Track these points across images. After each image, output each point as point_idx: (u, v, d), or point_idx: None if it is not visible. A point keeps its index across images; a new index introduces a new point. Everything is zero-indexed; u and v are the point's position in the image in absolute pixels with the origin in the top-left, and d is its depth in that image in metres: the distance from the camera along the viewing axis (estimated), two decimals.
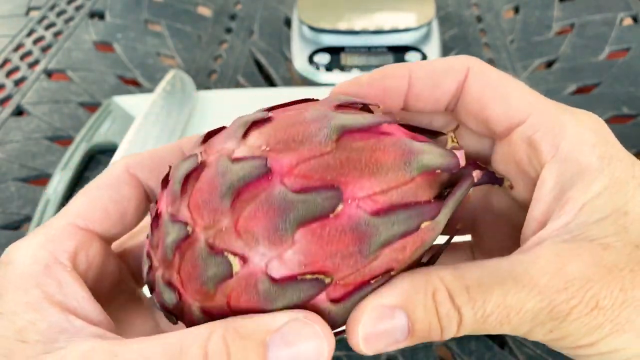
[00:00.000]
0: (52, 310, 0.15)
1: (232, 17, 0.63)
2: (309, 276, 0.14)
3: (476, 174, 0.17)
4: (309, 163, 0.14)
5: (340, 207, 0.14)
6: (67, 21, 0.62)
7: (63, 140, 0.48)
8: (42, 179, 0.44)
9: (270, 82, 0.54)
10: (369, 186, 0.14)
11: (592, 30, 0.59)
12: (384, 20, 0.52)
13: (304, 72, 0.51)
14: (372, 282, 0.15)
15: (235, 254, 0.14)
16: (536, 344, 0.34)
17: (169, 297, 0.16)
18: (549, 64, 0.56)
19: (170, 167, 0.17)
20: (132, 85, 0.53)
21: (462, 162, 0.16)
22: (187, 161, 0.16)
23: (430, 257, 0.17)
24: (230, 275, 0.14)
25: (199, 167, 0.15)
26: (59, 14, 0.63)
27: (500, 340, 0.34)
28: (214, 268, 0.14)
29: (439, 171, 0.15)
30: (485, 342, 0.34)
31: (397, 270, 0.15)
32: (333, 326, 0.15)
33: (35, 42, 0.59)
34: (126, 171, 0.18)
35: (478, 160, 0.18)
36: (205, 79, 0.54)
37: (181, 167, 0.16)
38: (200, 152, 0.16)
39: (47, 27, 0.61)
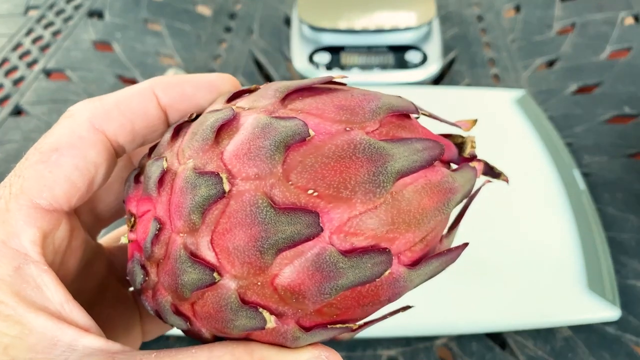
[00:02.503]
0: (39, 319, 0.12)
1: (232, 16, 0.63)
2: (339, 325, 0.14)
3: (485, 182, 0.18)
4: (361, 218, 0.13)
5: (388, 272, 0.13)
6: (66, 20, 0.62)
7: None
8: None
9: (270, 82, 0.54)
10: (412, 239, 0.14)
11: (593, 29, 0.59)
12: (385, 20, 0.52)
13: (303, 71, 0.51)
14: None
15: (271, 312, 0.13)
16: (537, 344, 0.34)
17: (176, 323, 0.15)
18: (550, 64, 0.55)
19: (172, 139, 0.15)
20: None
21: (479, 175, 0.16)
22: (206, 182, 0.13)
23: None
24: (262, 328, 0.13)
25: (224, 198, 0.13)
26: (58, 13, 0.63)
27: (501, 341, 0.34)
28: (244, 320, 0.13)
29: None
30: (486, 343, 0.34)
31: None
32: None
33: (34, 41, 0.58)
34: (91, 127, 0.15)
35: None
36: None
37: (199, 189, 0.13)
38: (222, 172, 0.13)
39: (46, 27, 0.61)
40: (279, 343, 0.14)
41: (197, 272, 0.13)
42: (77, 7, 0.63)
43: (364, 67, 0.51)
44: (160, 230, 0.14)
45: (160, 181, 0.14)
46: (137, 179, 0.16)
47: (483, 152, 0.50)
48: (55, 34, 0.59)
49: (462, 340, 0.34)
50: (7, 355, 0.12)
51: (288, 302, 0.13)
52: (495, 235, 0.38)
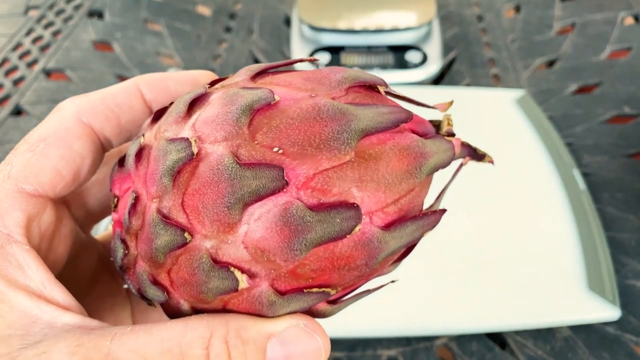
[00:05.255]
0: (19, 297, 0.13)
1: (232, 16, 0.63)
2: (315, 289, 0.14)
3: (465, 160, 0.17)
4: (327, 174, 0.13)
5: (358, 228, 0.13)
6: (66, 20, 0.62)
7: None
8: None
9: None
10: (383, 199, 0.14)
11: (593, 29, 0.59)
12: (385, 20, 0.52)
13: None
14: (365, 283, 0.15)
15: (243, 271, 0.13)
16: (537, 344, 0.34)
17: (155, 294, 0.15)
18: (550, 64, 0.55)
19: (152, 123, 0.15)
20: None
21: (458, 150, 0.16)
22: (176, 146, 0.13)
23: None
24: (236, 290, 0.13)
25: (193, 160, 0.13)
26: (58, 13, 0.63)
27: (501, 341, 0.34)
28: (216, 281, 0.13)
29: (440, 169, 0.15)
30: (486, 343, 0.34)
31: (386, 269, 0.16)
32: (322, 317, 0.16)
33: (34, 41, 0.58)
34: (78, 121, 0.16)
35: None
36: None
37: (170, 154, 0.13)
38: (193, 140, 0.13)
39: (46, 27, 0.61)
40: (256, 312, 0.14)
41: (169, 233, 0.13)
42: (77, 7, 0.63)
43: (364, 67, 0.51)
44: (136, 200, 0.14)
45: (138, 156, 0.15)
46: (120, 163, 0.16)
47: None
48: (55, 34, 0.59)
49: (462, 340, 0.34)
50: None
51: (259, 260, 0.13)
52: (495, 235, 0.38)
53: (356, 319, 0.33)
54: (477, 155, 0.17)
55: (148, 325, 0.13)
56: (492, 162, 0.18)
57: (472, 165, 0.42)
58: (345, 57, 0.52)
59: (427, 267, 0.36)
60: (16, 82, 0.53)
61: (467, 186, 0.41)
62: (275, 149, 0.13)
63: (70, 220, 0.17)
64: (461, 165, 0.17)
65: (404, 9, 0.54)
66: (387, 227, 0.14)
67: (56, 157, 0.15)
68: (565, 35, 0.58)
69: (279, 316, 0.14)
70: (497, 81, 0.53)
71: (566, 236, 0.38)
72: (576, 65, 0.54)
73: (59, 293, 0.14)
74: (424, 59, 0.51)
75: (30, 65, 0.55)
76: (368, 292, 0.16)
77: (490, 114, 0.47)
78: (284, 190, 0.13)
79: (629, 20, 0.60)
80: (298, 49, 0.53)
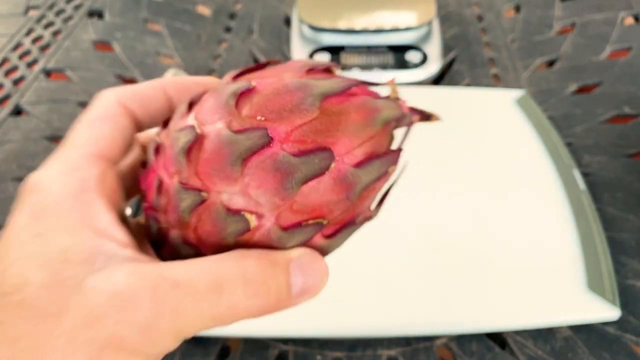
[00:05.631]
0: (88, 233, 0.16)
1: (232, 16, 0.63)
2: (311, 221, 0.17)
3: (415, 117, 0.20)
4: (301, 129, 0.17)
5: (333, 165, 0.17)
6: (66, 20, 0.62)
7: (62, 140, 0.47)
8: None
9: None
10: (350, 144, 0.17)
11: (593, 29, 0.59)
12: (385, 20, 0.52)
13: None
14: (356, 219, 0.18)
15: (251, 212, 0.17)
16: (537, 344, 0.34)
17: (187, 252, 0.18)
18: (550, 64, 0.55)
19: (163, 128, 0.19)
20: (131, 84, 0.53)
21: (405, 110, 0.20)
22: (184, 133, 0.17)
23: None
24: (248, 229, 0.17)
25: (199, 139, 0.17)
26: (58, 13, 0.63)
27: (501, 341, 0.34)
28: (232, 225, 0.17)
29: (393, 122, 0.19)
30: (486, 343, 0.34)
31: (372, 205, 0.19)
32: (323, 255, 0.19)
33: (34, 41, 0.58)
34: (119, 103, 0.19)
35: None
36: None
37: (180, 139, 0.17)
38: (195, 125, 0.17)
39: (46, 27, 0.61)
40: (270, 246, 0.17)
41: (190, 195, 0.17)
42: (77, 7, 0.63)
43: (364, 67, 0.51)
44: (160, 183, 0.18)
45: (156, 151, 0.19)
46: (143, 165, 0.20)
47: (483, 151, 0.50)
48: (55, 34, 0.59)
49: (462, 340, 0.34)
50: (62, 256, 0.15)
51: (262, 202, 0.16)
52: (495, 235, 0.38)
53: (356, 319, 0.33)
54: (424, 115, 0.21)
55: (193, 260, 0.17)
56: (438, 119, 0.21)
57: (472, 165, 0.43)
58: (345, 57, 0.52)
59: (427, 267, 0.36)
60: (16, 82, 0.53)
61: (467, 186, 0.41)
62: (259, 118, 0.17)
63: (120, 184, 0.20)
64: (412, 121, 0.20)
65: (404, 9, 0.54)
66: (357, 165, 0.17)
67: (110, 130, 0.19)
68: (565, 35, 0.58)
69: (288, 248, 0.17)
70: (497, 81, 0.53)
71: (566, 236, 0.38)
72: (576, 65, 0.54)
73: (120, 233, 0.17)
74: (424, 59, 0.51)
75: (30, 65, 0.55)
76: (355, 225, 0.19)
77: (490, 114, 0.47)
78: (270, 145, 0.16)
79: (629, 20, 0.60)
80: (298, 49, 0.53)
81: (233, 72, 0.20)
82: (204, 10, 0.64)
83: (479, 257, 0.36)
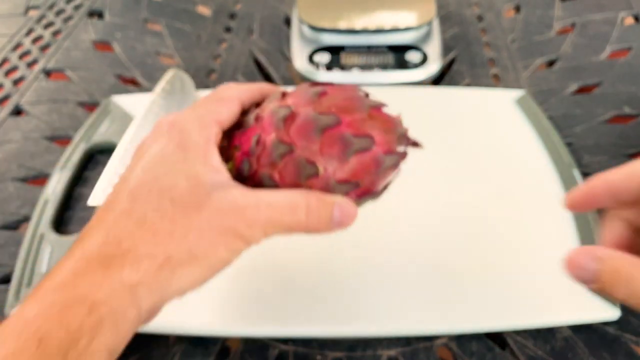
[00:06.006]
0: (211, 166, 0.25)
1: (232, 16, 0.63)
2: (353, 181, 0.26)
3: (410, 142, 0.28)
4: (358, 121, 0.26)
5: (373, 147, 0.25)
6: (66, 20, 0.62)
7: (62, 140, 0.47)
8: (40, 178, 0.44)
9: (270, 82, 0.54)
10: (382, 139, 0.26)
11: (593, 29, 0.59)
12: (385, 20, 0.52)
13: (304, 71, 0.51)
14: (375, 190, 0.27)
15: (320, 164, 0.25)
16: (537, 344, 0.34)
17: (269, 185, 0.26)
18: (550, 64, 0.55)
19: (256, 107, 0.28)
20: (131, 84, 0.53)
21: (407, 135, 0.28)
22: (283, 109, 0.26)
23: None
24: (317, 175, 0.25)
25: (293, 114, 0.26)
26: (58, 13, 0.63)
27: (501, 341, 0.34)
28: (307, 170, 0.25)
29: (404, 137, 0.27)
30: (486, 343, 0.34)
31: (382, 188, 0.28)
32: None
33: (34, 41, 0.58)
34: (236, 96, 0.28)
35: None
36: (205, 79, 0.54)
37: (280, 112, 0.26)
38: (291, 105, 0.26)
39: (46, 27, 0.61)
40: (327, 190, 0.25)
41: (283, 147, 0.25)
42: (77, 7, 0.64)
43: (364, 67, 0.51)
44: (259, 138, 0.26)
45: (256, 119, 0.27)
46: (228, 132, 0.28)
47: (483, 152, 0.49)
48: (55, 34, 0.59)
49: (462, 340, 0.34)
50: (197, 175, 0.24)
51: (328, 160, 0.25)
52: (495, 235, 0.38)
53: (356, 319, 0.33)
54: (414, 143, 0.28)
55: (272, 190, 0.25)
56: (422, 147, 0.28)
57: (472, 165, 0.43)
58: (345, 57, 0.52)
59: (427, 267, 0.36)
60: (16, 82, 0.53)
61: (467, 186, 0.41)
62: (333, 109, 0.26)
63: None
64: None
65: (404, 9, 0.54)
66: (385, 152, 0.26)
67: (228, 108, 0.27)
68: (565, 35, 0.58)
69: (336, 194, 0.26)
70: (497, 81, 0.53)
71: (566, 236, 0.38)
72: (576, 65, 0.54)
73: (225, 170, 0.26)
74: (424, 59, 0.51)
75: (30, 65, 0.55)
76: (373, 194, 0.27)
77: (490, 114, 0.47)
78: (339, 125, 0.25)
79: (629, 20, 0.60)
80: (298, 49, 0.53)
81: (309, 84, 0.29)
82: (204, 10, 0.64)
83: (479, 257, 0.36)
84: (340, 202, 0.26)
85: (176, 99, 0.47)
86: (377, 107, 0.27)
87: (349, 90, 0.28)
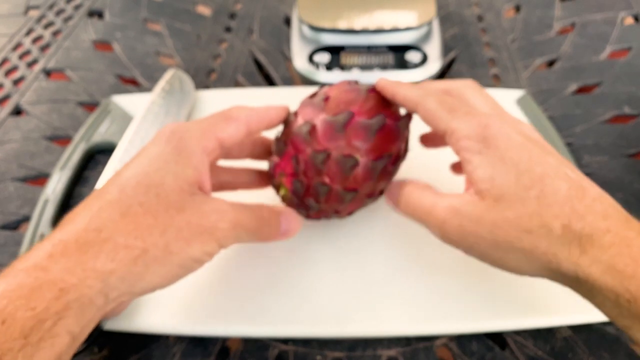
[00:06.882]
0: (199, 175, 0.27)
1: (232, 16, 0.63)
2: (385, 154, 0.30)
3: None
4: (364, 107, 0.30)
5: (387, 120, 0.30)
6: (66, 20, 0.62)
7: (62, 139, 0.47)
8: (40, 178, 0.44)
9: (270, 82, 0.54)
10: (389, 110, 0.31)
11: (593, 29, 0.59)
12: (385, 20, 0.52)
13: (304, 71, 0.51)
14: (401, 157, 0.33)
15: (356, 153, 0.29)
16: (537, 344, 0.34)
17: (323, 192, 0.30)
18: (550, 63, 0.55)
19: (285, 128, 0.32)
20: (131, 84, 0.53)
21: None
22: (303, 126, 0.30)
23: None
24: (358, 164, 0.30)
25: (314, 126, 0.30)
26: (58, 13, 0.63)
27: (501, 341, 0.34)
28: (348, 163, 0.29)
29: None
30: (486, 343, 0.34)
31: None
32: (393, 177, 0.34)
33: (34, 41, 0.58)
34: (246, 120, 0.30)
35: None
36: (205, 79, 0.54)
37: (302, 129, 0.30)
38: (308, 120, 0.30)
39: (46, 26, 0.61)
40: (368, 172, 0.30)
41: (321, 155, 0.29)
42: (77, 7, 0.64)
43: (364, 67, 0.51)
44: (297, 158, 0.30)
45: (285, 144, 0.31)
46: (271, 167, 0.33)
47: None
48: (56, 33, 0.59)
49: (462, 340, 0.34)
50: (185, 177, 0.26)
51: (359, 146, 0.30)
52: None
53: (356, 319, 0.33)
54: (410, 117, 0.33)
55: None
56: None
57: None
58: (345, 57, 0.52)
59: (427, 267, 0.36)
60: (16, 82, 0.53)
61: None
62: (341, 107, 0.30)
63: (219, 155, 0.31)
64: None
65: (404, 9, 0.54)
66: (396, 121, 0.31)
67: (232, 127, 0.29)
68: (565, 35, 0.58)
69: (377, 174, 0.30)
70: (497, 81, 0.53)
71: None
72: (576, 65, 0.54)
73: (208, 177, 0.28)
74: (424, 59, 0.51)
75: (30, 65, 0.55)
76: (401, 159, 0.33)
77: None
78: (353, 117, 0.30)
79: (629, 20, 0.60)
80: (298, 49, 0.53)
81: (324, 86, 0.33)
82: (204, 10, 0.64)
83: None
84: (287, 213, 0.30)
85: (176, 99, 0.47)
86: (370, 89, 0.32)
87: (343, 85, 0.32)
